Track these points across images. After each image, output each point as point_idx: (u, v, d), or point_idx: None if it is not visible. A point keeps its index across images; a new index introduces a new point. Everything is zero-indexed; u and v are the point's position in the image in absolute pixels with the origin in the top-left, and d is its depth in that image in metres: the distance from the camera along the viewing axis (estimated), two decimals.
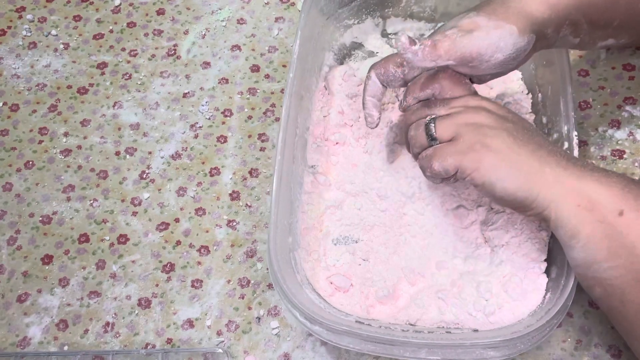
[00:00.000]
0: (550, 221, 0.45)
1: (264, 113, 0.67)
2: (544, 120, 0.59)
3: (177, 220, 0.61)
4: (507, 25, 0.48)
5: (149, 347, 0.56)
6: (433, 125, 0.48)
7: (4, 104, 0.69)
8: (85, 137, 0.66)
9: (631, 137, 0.61)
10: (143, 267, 0.59)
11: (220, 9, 0.74)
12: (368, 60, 0.67)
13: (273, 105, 0.67)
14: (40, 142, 0.66)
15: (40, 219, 0.62)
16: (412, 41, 0.47)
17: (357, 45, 0.68)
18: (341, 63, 0.67)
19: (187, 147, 0.65)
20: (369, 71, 0.54)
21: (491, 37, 0.47)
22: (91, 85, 0.69)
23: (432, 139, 0.48)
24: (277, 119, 0.66)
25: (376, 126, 0.55)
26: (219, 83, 0.69)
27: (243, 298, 0.57)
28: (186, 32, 0.72)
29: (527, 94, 0.62)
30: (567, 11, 0.49)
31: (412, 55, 0.47)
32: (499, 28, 0.48)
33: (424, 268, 0.54)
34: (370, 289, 0.54)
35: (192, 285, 0.58)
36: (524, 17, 0.48)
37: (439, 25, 0.68)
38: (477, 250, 0.54)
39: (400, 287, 0.54)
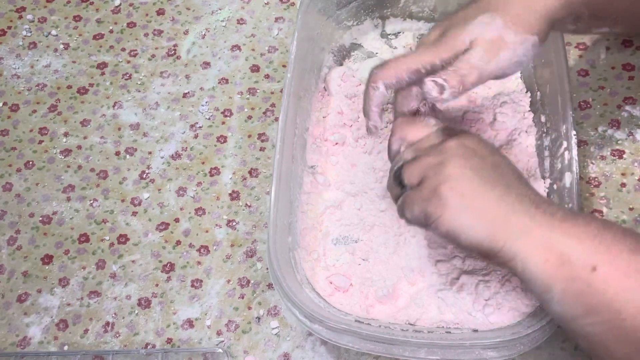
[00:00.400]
0: (517, 273, 0.42)
1: (264, 113, 0.67)
2: (543, 119, 0.59)
3: (177, 220, 0.61)
4: (532, 37, 0.46)
5: (148, 347, 0.56)
6: (400, 171, 0.46)
7: (4, 104, 0.69)
8: (85, 137, 0.66)
9: (631, 137, 0.61)
10: (143, 267, 0.59)
11: (220, 9, 0.74)
12: (367, 61, 0.67)
13: (273, 105, 0.67)
14: (40, 142, 0.66)
15: (40, 219, 0.62)
16: (441, 87, 0.45)
17: (357, 46, 0.68)
18: (340, 64, 0.67)
19: (187, 147, 0.65)
20: (375, 80, 0.49)
21: (517, 54, 0.46)
22: (91, 85, 0.69)
23: (402, 186, 0.46)
24: (277, 119, 0.66)
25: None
26: (219, 83, 0.69)
27: (243, 298, 0.57)
28: (186, 32, 0.72)
29: (526, 92, 0.62)
30: (577, 6, 0.48)
31: (444, 102, 0.46)
32: (525, 42, 0.46)
33: (424, 268, 0.54)
34: (369, 288, 0.54)
35: (192, 285, 0.58)
36: (545, 21, 0.47)
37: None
38: None
39: (400, 287, 0.54)
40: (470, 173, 0.43)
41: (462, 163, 0.44)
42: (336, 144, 0.62)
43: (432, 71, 0.47)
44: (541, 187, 0.56)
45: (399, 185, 0.47)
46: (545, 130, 0.58)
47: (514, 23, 0.46)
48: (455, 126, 0.50)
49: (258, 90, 0.68)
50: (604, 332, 0.40)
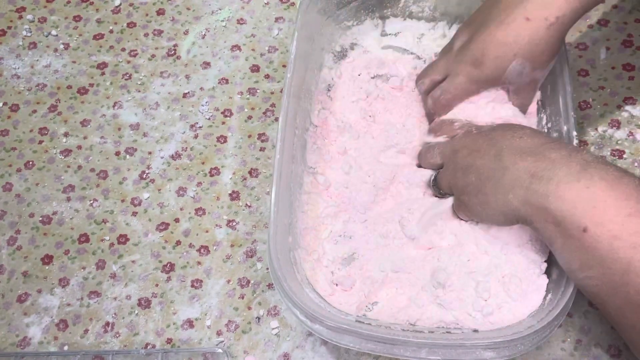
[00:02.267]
0: (530, 228, 0.48)
1: (264, 113, 0.67)
2: (544, 119, 0.59)
3: (177, 220, 0.61)
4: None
5: (148, 347, 0.56)
6: (435, 182, 0.56)
7: (4, 104, 0.69)
8: (85, 137, 0.66)
9: (631, 137, 0.61)
10: (143, 267, 0.59)
11: (220, 9, 0.74)
12: (367, 55, 0.67)
13: (273, 105, 0.67)
14: (40, 142, 0.66)
15: (40, 219, 0.62)
16: None
17: (357, 46, 0.68)
18: (340, 64, 0.67)
19: (187, 147, 0.65)
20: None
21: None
22: (91, 85, 0.69)
23: (439, 192, 0.56)
24: (277, 119, 0.66)
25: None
26: (219, 83, 0.69)
27: (243, 298, 0.57)
28: (186, 32, 0.72)
29: None
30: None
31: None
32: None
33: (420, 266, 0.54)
34: (370, 287, 0.54)
35: (192, 285, 0.58)
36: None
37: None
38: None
39: (401, 286, 0.54)
40: (473, 177, 0.50)
41: (464, 171, 0.51)
42: (336, 144, 0.62)
43: None
44: None
45: (437, 191, 0.56)
46: (546, 130, 0.58)
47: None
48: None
49: (258, 90, 0.68)
50: (597, 285, 0.43)
